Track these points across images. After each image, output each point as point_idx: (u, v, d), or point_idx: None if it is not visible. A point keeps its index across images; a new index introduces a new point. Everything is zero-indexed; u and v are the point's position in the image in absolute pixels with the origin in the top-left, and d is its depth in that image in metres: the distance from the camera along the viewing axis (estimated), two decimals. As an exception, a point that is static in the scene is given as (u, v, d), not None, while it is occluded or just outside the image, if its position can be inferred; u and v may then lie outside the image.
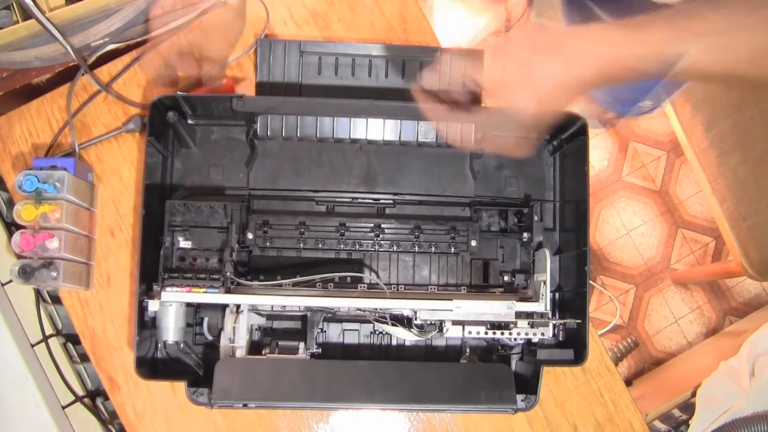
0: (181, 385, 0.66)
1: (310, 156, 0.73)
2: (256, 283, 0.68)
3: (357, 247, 0.70)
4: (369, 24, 0.79)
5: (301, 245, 0.70)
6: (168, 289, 0.64)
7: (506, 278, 0.73)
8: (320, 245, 0.70)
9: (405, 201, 0.73)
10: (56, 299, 0.76)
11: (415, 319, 0.66)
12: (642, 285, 1.65)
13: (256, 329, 0.70)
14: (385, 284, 0.70)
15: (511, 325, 0.66)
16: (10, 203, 0.76)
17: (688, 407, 1.22)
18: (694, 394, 1.20)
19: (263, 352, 0.67)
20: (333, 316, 0.70)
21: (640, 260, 1.66)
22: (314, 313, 0.68)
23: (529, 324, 0.67)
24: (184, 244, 0.68)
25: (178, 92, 0.75)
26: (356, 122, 0.72)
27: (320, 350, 0.68)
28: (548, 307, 0.67)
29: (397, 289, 0.71)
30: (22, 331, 0.72)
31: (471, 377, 0.64)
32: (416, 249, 0.71)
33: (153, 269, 0.66)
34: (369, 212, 0.73)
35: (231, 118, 0.71)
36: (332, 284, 0.69)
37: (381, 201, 0.73)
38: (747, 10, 0.51)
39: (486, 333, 0.66)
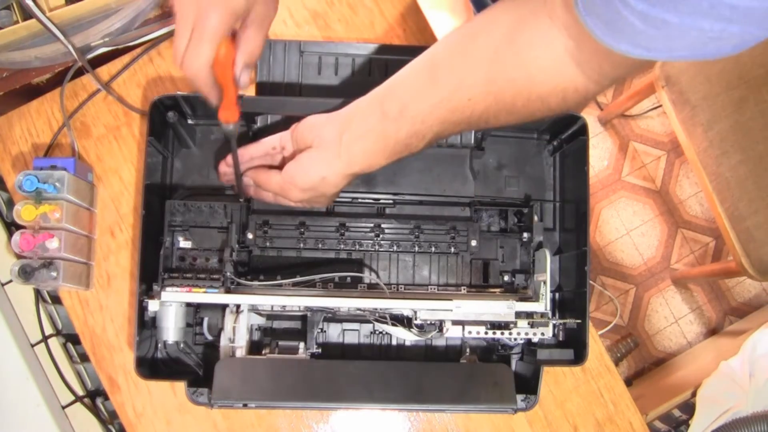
0: (181, 385, 0.66)
1: (310, 156, 0.73)
2: (256, 283, 0.68)
3: (357, 247, 0.70)
4: (369, 24, 0.79)
5: (301, 245, 0.70)
6: (168, 289, 0.64)
7: (506, 278, 0.73)
8: (320, 245, 0.70)
9: (405, 201, 0.73)
10: (56, 299, 0.76)
11: (415, 319, 0.66)
12: (642, 285, 1.65)
13: (256, 329, 0.70)
14: (385, 284, 0.70)
15: (511, 325, 0.66)
16: (10, 203, 0.76)
17: (688, 407, 1.22)
18: (694, 394, 1.20)
19: (263, 352, 0.67)
20: (333, 316, 0.70)
21: (640, 260, 1.66)
22: (314, 313, 0.68)
23: (529, 324, 0.67)
24: (184, 244, 0.68)
25: (178, 92, 0.75)
26: (356, 122, 0.72)
27: (320, 350, 0.68)
28: (548, 307, 0.67)
29: (397, 289, 0.71)
30: (22, 331, 0.72)
31: (471, 377, 0.64)
32: (416, 249, 0.71)
33: (153, 269, 0.66)
34: (369, 212, 0.73)
35: (231, 118, 0.71)
36: (332, 284, 0.69)
37: (381, 201, 0.73)
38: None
39: (486, 333, 0.66)
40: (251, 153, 0.65)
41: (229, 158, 0.65)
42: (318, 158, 0.58)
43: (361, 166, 0.58)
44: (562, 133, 0.72)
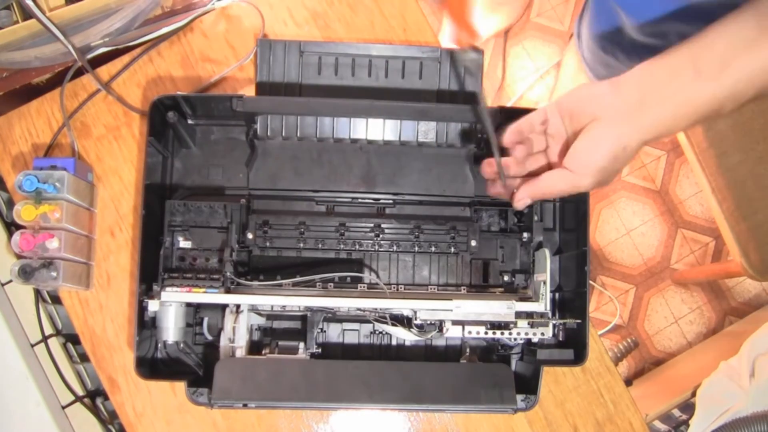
0: (181, 385, 0.66)
1: (310, 156, 0.73)
2: (256, 283, 0.68)
3: (357, 247, 0.70)
4: (369, 24, 0.79)
5: (301, 245, 0.70)
6: (168, 289, 0.64)
7: (506, 278, 0.73)
8: (320, 245, 0.70)
9: (405, 201, 0.73)
10: (56, 299, 0.76)
11: (415, 319, 0.66)
12: (642, 285, 1.65)
13: (256, 329, 0.70)
14: (385, 284, 0.70)
15: (511, 325, 0.66)
16: (10, 203, 0.76)
17: (688, 407, 1.22)
18: (694, 394, 1.20)
19: (263, 352, 0.67)
20: (333, 316, 0.70)
21: (640, 260, 1.66)
22: (314, 313, 0.68)
23: (529, 324, 0.67)
24: (184, 244, 0.68)
25: (178, 92, 0.75)
26: (356, 122, 0.72)
27: (320, 350, 0.68)
28: (548, 307, 0.67)
29: (397, 289, 0.71)
30: (22, 331, 0.72)
31: (471, 377, 0.64)
32: (416, 249, 0.71)
33: (153, 269, 0.66)
34: (369, 212, 0.73)
35: (231, 118, 0.71)
36: (332, 284, 0.69)
37: (381, 201, 0.73)
38: None
39: (486, 333, 0.66)
40: (514, 133, 0.58)
41: (507, 140, 0.59)
42: (611, 130, 0.52)
43: (662, 132, 0.52)
44: (562, 133, 0.72)
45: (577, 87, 0.55)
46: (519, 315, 0.66)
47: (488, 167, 0.61)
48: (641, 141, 0.52)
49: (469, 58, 0.52)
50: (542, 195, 0.57)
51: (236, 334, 0.65)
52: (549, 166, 0.57)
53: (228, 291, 0.65)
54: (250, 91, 0.76)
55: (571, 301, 0.70)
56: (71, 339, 0.76)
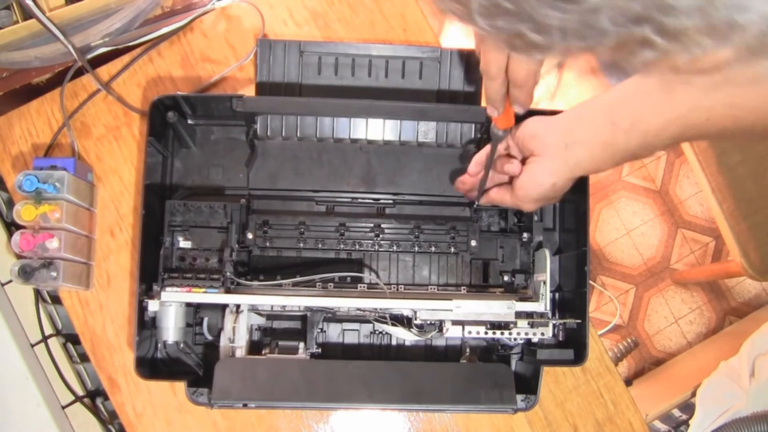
0: (181, 385, 0.66)
1: (310, 156, 0.73)
2: (256, 283, 0.68)
3: (357, 247, 0.70)
4: (369, 24, 0.79)
5: (301, 245, 0.70)
6: (168, 289, 0.64)
7: (506, 278, 0.73)
8: (320, 245, 0.70)
9: (405, 201, 0.73)
10: (56, 299, 0.76)
11: (415, 319, 0.66)
12: (642, 285, 1.65)
13: (256, 329, 0.70)
14: (385, 284, 0.70)
15: (511, 325, 0.66)
16: (10, 203, 0.76)
17: (688, 407, 1.22)
18: (694, 394, 1.20)
19: (263, 352, 0.67)
20: (333, 316, 0.70)
21: (640, 260, 1.66)
22: (314, 313, 0.68)
23: (529, 324, 0.67)
24: (184, 244, 0.68)
25: (178, 92, 0.75)
26: (356, 122, 0.72)
27: (320, 350, 0.68)
28: (548, 307, 0.67)
29: (397, 289, 0.71)
30: (22, 331, 0.72)
31: (471, 377, 0.64)
32: (416, 249, 0.71)
33: (153, 269, 0.66)
34: (369, 212, 0.73)
35: (231, 118, 0.71)
36: (332, 284, 0.69)
37: (381, 201, 0.73)
38: None
39: (486, 333, 0.66)
40: (477, 164, 0.66)
41: (471, 170, 0.67)
42: (544, 167, 0.59)
43: (586, 170, 0.59)
44: (562, 133, 0.72)
45: (527, 120, 0.60)
46: (519, 315, 0.66)
47: (461, 185, 0.69)
48: (569, 178, 0.59)
49: (498, 134, 0.62)
50: (495, 203, 0.66)
51: (236, 334, 0.65)
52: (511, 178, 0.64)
53: (228, 291, 0.65)
54: (250, 91, 0.76)
55: (571, 301, 0.70)
56: (71, 339, 0.76)
